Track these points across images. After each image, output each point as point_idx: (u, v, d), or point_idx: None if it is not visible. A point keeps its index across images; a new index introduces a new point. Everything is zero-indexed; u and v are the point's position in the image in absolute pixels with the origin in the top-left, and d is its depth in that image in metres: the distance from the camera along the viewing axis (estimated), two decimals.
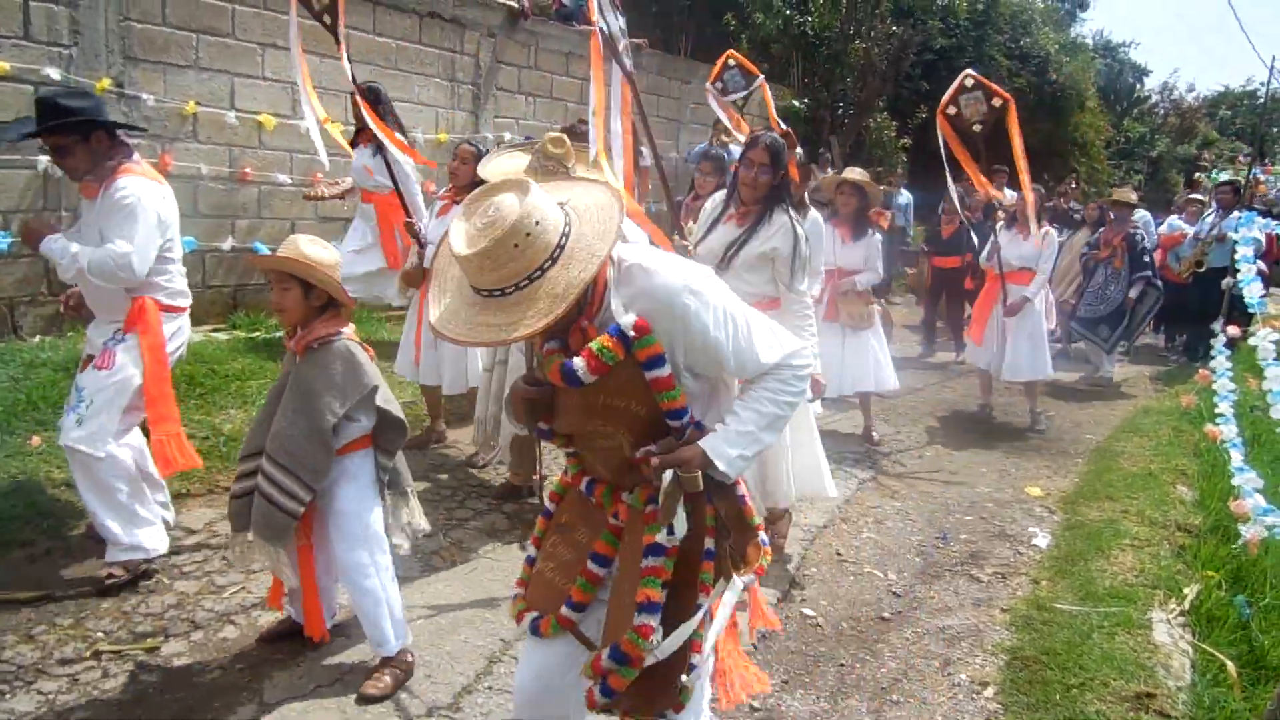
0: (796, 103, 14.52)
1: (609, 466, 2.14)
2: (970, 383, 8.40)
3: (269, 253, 3.13)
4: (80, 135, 3.45)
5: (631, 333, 1.92)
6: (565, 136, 3.89)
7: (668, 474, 1.93)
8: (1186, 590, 3.99)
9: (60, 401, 4.79)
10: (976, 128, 6.40)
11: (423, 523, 3.37)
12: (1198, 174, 16.21)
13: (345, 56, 5.03)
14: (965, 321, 10.26)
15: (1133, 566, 4.25)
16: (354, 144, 6.29)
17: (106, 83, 6.12)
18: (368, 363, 3.12)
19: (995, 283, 7.05)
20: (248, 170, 7.14)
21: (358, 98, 5.23)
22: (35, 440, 4.45)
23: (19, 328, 5.97)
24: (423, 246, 4.92)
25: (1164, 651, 3.49)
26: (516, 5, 9.51)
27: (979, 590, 4.21)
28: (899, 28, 16.42)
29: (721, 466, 1.97)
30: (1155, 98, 33.93)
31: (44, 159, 5.85)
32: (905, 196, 13.02)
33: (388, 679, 3.07)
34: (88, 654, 3.15)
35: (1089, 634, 3.56)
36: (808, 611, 3.89)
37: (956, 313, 9.95)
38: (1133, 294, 8.75)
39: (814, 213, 4.98)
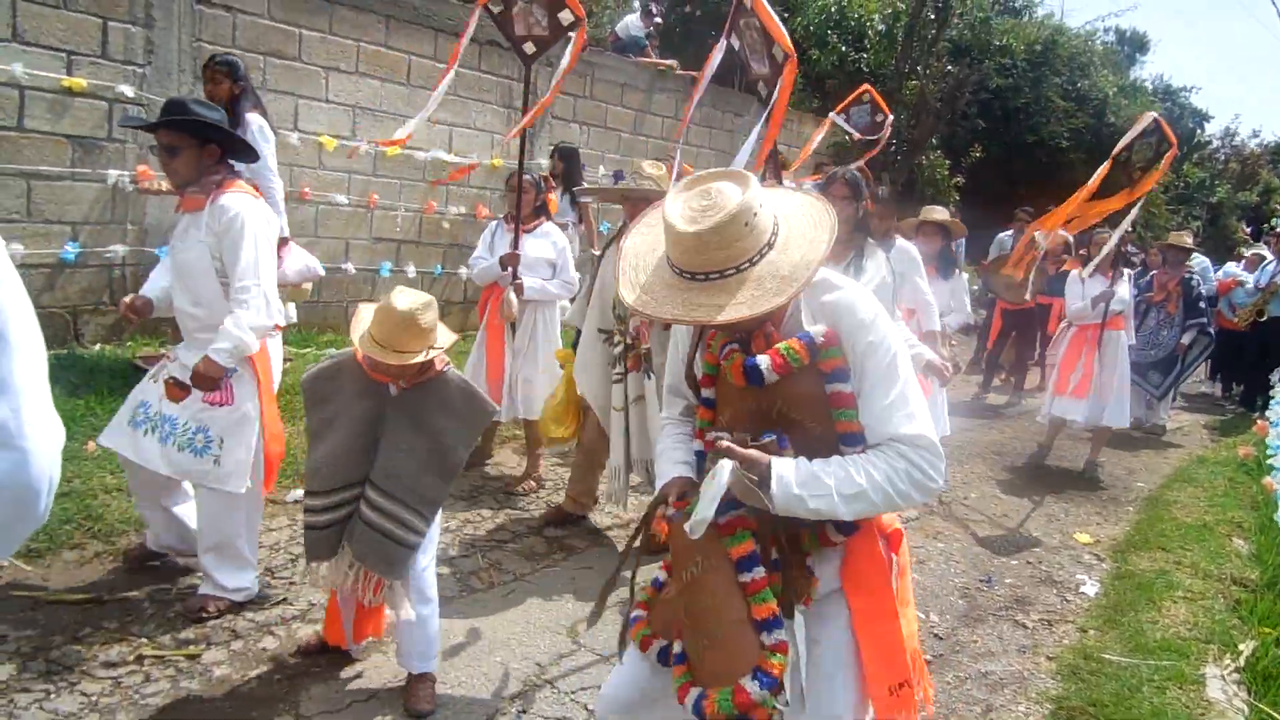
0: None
1: None
2: (1019, 425, 8.26)
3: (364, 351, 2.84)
4: (197, 140, 3.38)
5: (820, 339, 1.88)
6: (660, 161, 3.97)
7: (727, 463, 1.80)
8: (1242, 646, 3.87)
9: (117, 407, 4.91)
10: (1138, 174, 6.16)
11: None
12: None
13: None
14: (1031, 364, 10.14)
15: (1185, 619, 4.12)
16: None
17: None
18: (478, 389, 3.08)
19: (1085, 331, 6.79)
20: (306, 190, 7.30)
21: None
22: (90, 446, 4.55)
23: (81, 335, 6.14)
24: (517, 277, 4.87)
25: (1217, 709, 3.38)
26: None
27: (1024, 636, 4.11)
28: (955, 67, 16.39)
29: (773, 488, 1.80)
30: (1216, 143, 33.30)
31: (113, 173, 6.04)
32: None
33: (433, 693, 3.10)
34: (131, 658, 3.19)
35: (1138, 687, 3.46)
36: None
37: (1025, 355, 9.83)
38: (1185, 339, 8.51)
39: (901, 241, 4.96)
